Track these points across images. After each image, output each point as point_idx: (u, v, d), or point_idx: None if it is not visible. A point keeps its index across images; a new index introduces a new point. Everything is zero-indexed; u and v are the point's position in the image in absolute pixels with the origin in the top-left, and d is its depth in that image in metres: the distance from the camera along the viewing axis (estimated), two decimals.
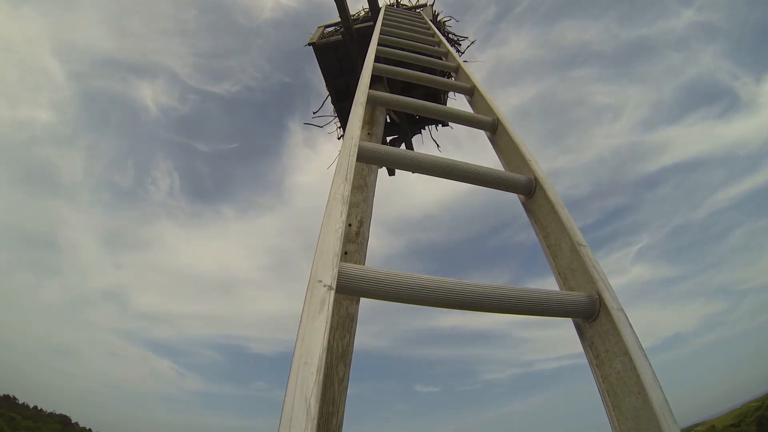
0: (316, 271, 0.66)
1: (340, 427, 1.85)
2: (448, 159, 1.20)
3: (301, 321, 0.60)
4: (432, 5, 5.76)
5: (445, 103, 5.39)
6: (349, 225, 2.76)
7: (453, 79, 2.61)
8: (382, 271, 0.73)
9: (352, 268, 0.71)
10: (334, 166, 1.07)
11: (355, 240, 2.70)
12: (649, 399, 0.65)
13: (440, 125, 5.64)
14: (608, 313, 0.79)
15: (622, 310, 0.79)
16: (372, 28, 3.15)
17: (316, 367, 0.55)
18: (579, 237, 0.96)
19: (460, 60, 2.57)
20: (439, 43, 3.15)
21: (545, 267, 1.11)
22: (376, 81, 4.36)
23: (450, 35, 5.73)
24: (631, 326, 0.76)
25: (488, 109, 1.82)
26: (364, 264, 2.71)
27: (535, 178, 1.20)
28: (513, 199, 1.40)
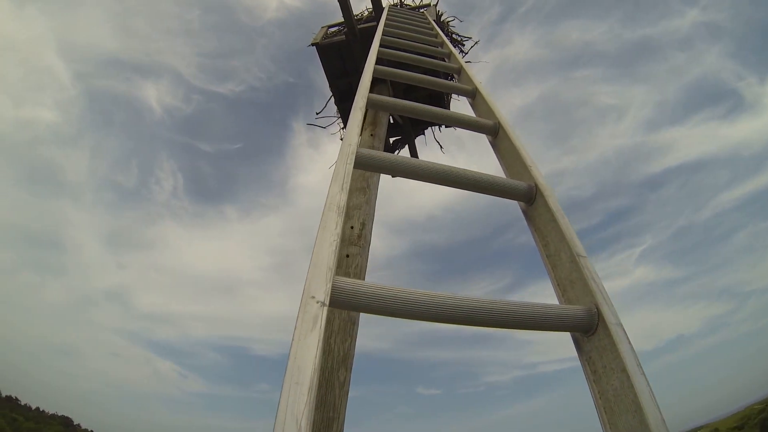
0: (309, 286, 0.66)
1: None
2: (448, 166, 1.18)
3: (293, 339, 0.59)
4: (436, 5, 5.73)
5: (448, 104, 5.36)
6: (351, 227, 2.76)
7: (455, 80, 2.60)
8: (377, 286, 0.72)
9: (346, 282, 0.70)
10: (332, 170, 1.06)
11: (357, 242, 2.70)
12: (646, 418, 0.64)
13: (443, 126, 5.63)
14: (606, 328, 0.78)
15: (620, 325, 0.78)
16: (375, 29, 3.14)
17: (307, 387, 0.55)
18: (579, 248, 0.95)
19: (462, 61, 2.55)
20: (442, 44, 3.13)
21: (546, 272, 1.10)
22: (378, 81, 4.35)
23: (453, 35, 5.70)
24: (629, 342, 0.75)
25: (490, 112, 1.80)
26: (366, 266, 2.71)
27: (536, 185, 1.19)
28: (515, 201, 1.39)
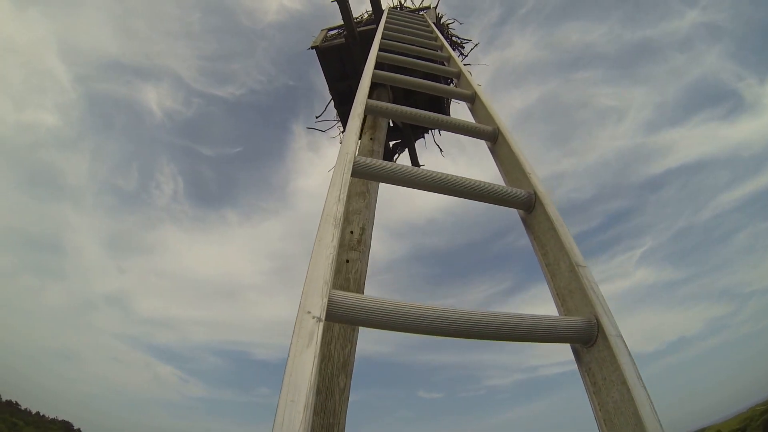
0: (305, 301, 0.65)
1: None
2: (446, 174, 1.18)
3: (288, 355, 0.59)
4: (435, 7, 5.73)
5: (448, 107, 5.36)
6: (351, 232, 2.76)
7: (454, 84, 2.59)
8: (374, 299, 0.71)
9: (342, 296, 0.69)
10: (331, 174, 1.05)
11: (357, 247, 2.70)
12: None
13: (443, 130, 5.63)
14: (606, 339, 0.77)
15: (620, 336, 0.77)
16: (374, 31, 3.13)
17: (303, 405, 0.54)
18: (578, 257, 0.94)
19: (461, 66, 2.54)
20: (442, 48, 3.13)
21: (545, 281, 1.09)
22: (378, 85, 4.35)
23: (453, 38, 5.70)
24: (629, 354, 0.74)
25: (489, 117, 1.79)
26: (366, 271, 2.70)
27: (535, 193, 1.18)
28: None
